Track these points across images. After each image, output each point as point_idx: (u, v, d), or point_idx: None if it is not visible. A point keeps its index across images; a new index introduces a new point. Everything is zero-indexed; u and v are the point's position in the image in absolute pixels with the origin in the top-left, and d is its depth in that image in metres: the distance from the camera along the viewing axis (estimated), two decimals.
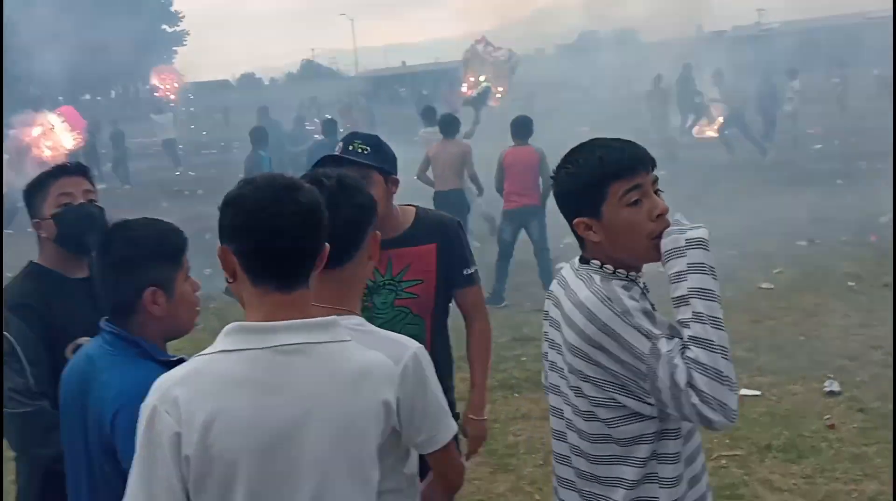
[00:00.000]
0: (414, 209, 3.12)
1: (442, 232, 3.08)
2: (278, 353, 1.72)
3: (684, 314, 1.97)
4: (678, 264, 1.99)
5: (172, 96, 27.93)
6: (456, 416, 3.21)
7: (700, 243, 1.99)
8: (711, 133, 19.72)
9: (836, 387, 5.68)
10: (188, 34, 51.88)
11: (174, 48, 51.35)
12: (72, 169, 2.86)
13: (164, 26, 50.07)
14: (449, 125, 9.76)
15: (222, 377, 1.71)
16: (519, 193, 8.68)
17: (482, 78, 13.71)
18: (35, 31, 28.90)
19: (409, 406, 1.91)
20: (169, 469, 1.67)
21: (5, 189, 7.42)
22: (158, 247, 2.13)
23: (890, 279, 7.64)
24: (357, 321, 2.05)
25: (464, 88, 13.61)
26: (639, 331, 1.96)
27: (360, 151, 2.93)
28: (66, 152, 15.30)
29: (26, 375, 2.58)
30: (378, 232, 2.18)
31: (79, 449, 2.13)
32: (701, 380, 1.89)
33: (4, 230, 11.73)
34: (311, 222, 1.77)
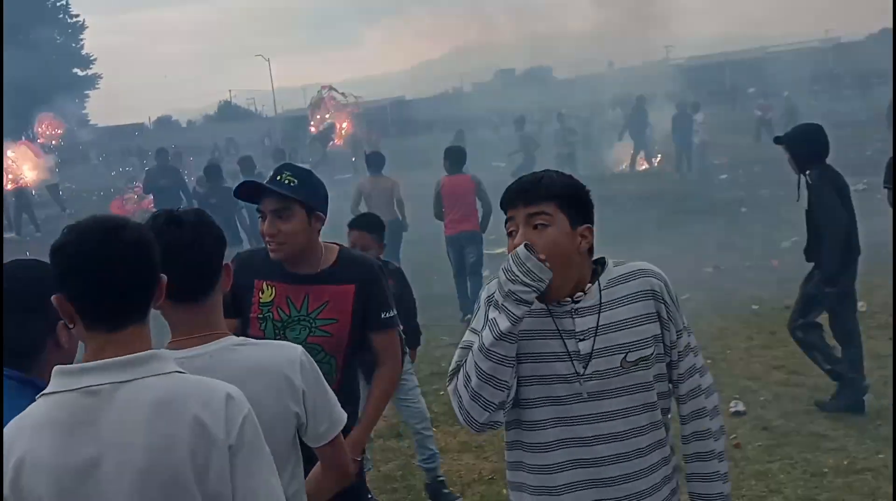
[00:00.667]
0: (338, 248, 3.13)
1: (362, 273, 3.08)
2: (84, 395, 1.73)
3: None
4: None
5: (54, 142, 27.67)
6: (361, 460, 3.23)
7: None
8: (646, 166, 20.65)
9: (741, 407, 5.88)
10: (101, 77, 50.89)
11: (86, 92, 50.32)
12: None
13: (76, 70, 49.07)
14: (376, 162, 10.45)
15: (35, 420, 1.74)
16: (459, 219, 8.98)
17: (327, 116, 15.49)
18: None
19: (313, 397, 2.15)
20: None
21: None
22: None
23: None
24: (238, 339, 2.19)
25: (311, 128, 15.22)
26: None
27: (286, 182, 2.93)
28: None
29: None
30: (230, 263, 2.26)
31: None
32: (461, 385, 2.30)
33: None
34: (138, 258, 1.78)
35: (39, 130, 27.91)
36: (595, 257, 2.35)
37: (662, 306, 2.28)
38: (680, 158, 19.99)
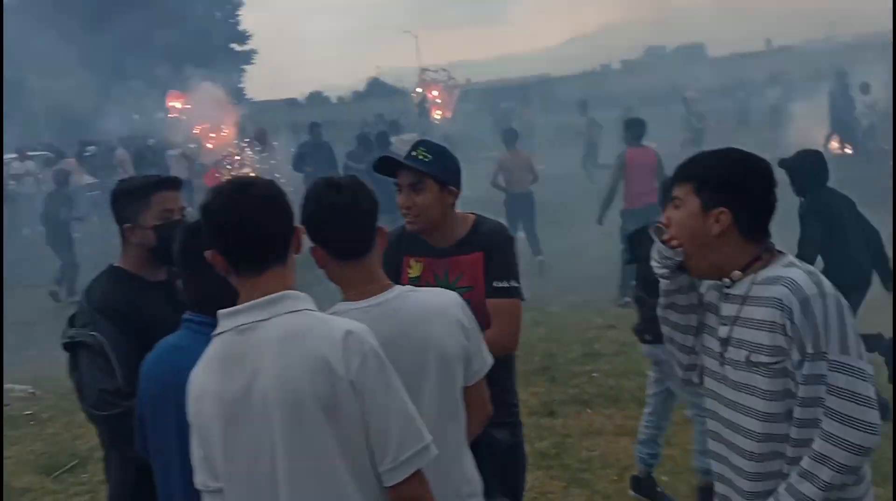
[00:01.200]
0: (473, 218, 3.19)
1: (489, 241, 3.12)
2: (236, 333, 2.00)
3: None
4: None
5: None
6: (518, 424, 3.28)
7: None
8: (848, 150, 19.12)
9: None
10: (257, 53, 52.75)
11: (242, 67, 52.25)
12: (173, 183, 2.99)
13: (234, 45, 51.01)
14: (510, 137, 11.32)
15: (207, 357, 2.04)
16: (645, 192, 8.73)
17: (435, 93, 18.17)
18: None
19: (475, 336, 2.40)
20: (195, 438, 2.04)
21: None
22: None
23: None
24: (407, 287, 2.41)
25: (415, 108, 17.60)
26: None
27: (420, 157, 3.03)
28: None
29: (116, 376, 2.67)
30: (384, 226, 2.44)
31: (171, 437, 2.28)
32: None
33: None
34: (267, 209, 2.03)
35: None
36: (778, 248, 2.33)
37: (788, 321, 2.14)
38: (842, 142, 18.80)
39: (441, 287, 2.94)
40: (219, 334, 2.02)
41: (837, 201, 5.69)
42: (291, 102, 59.24)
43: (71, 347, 2.77)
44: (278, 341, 1.94)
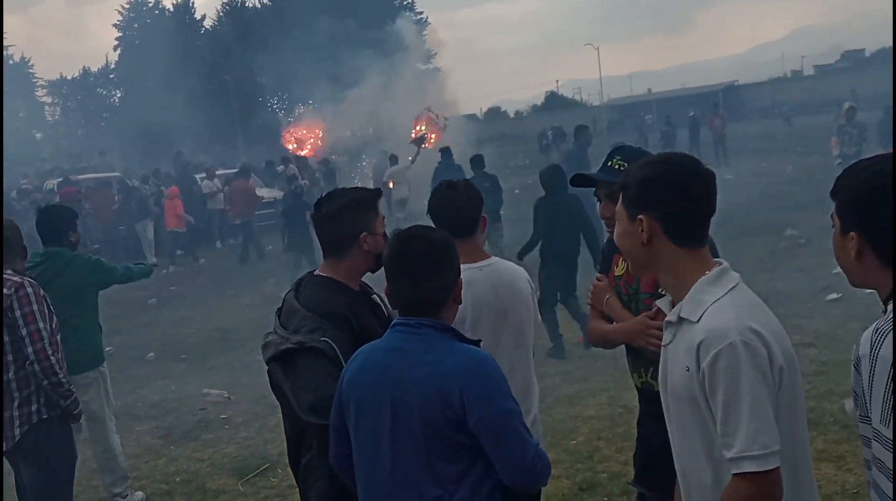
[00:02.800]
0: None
1: None
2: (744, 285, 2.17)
3: None
4: None
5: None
6: None
7: None
8: None
9: None
10: (439, 71, 54.00)
11: (427, 84, 53.60)
12: (379, 194, 3.21)
13: (418, 64, 52.43)
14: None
15: (755, 305, 2.14)
16: None
17: (422, 127, 20.87)
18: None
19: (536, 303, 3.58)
20: (770, 385, 2.01)
21: None
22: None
23: None
24: (494, 258, 3.47)
25: (412, 134, 20.64)
26: None
27: (615, 167, 3.11)
28: None
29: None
30: (485, 216, 3.48)
31: (382, 433, 2.38)
32: None
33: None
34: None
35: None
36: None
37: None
38: None
39: (632, 292, 3.20)
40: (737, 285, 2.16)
41: (565, 201, 8.13)
42: (471, 118, 60.20)
43: (291, 353, 2.78)
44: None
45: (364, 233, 2.96)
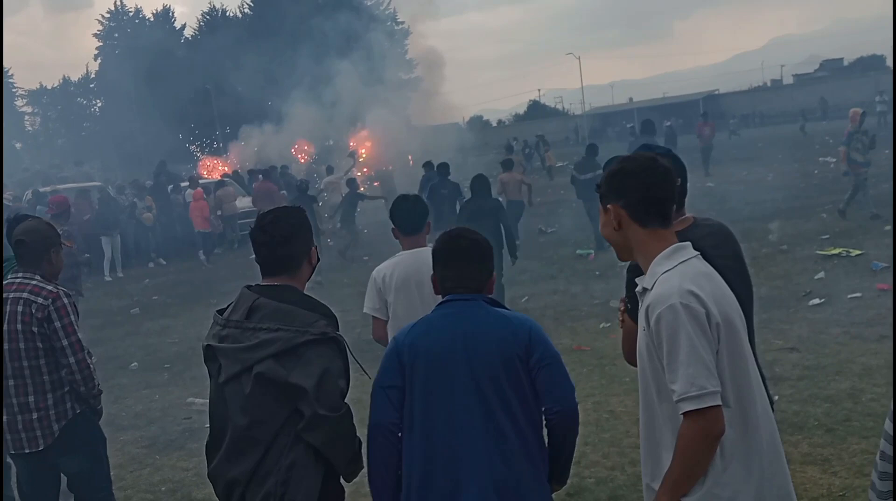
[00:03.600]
0: (691, 219, 3.21)
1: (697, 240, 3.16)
2: (699, 260, 2.54)
3: None
4: None
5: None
6: None
7: None
8: None
9: None
10: (421, 80, 54.02)
11: (409, 94, 53.61)
12: None
13: (401, 74, 52.45)
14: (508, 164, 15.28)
15: (702, 272, 2.49)
16: None
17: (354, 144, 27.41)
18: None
19: None
20: (709, 337, 2.36)
21: None
22: None
23: None
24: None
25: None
26: None
27: None
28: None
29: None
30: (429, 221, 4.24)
31: (457, 379, 2.83)
32: None
33: None
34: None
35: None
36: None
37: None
38: None
39: None
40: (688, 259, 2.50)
41: (487, 202, 9.74)
42: (453, 127, 60.28)
43: (295, 346, 2.82)
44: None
45: (314, 247, 3.12)
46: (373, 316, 4.64)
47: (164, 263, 19.38)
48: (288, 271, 3.01)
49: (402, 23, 53.31)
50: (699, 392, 2.29)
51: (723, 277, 2.63)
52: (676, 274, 2.42)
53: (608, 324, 8.88)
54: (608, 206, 2.56)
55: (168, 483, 6.10)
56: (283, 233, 2.99)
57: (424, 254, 3.98)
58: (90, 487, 4.39)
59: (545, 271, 12.49)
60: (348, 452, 2.90)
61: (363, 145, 26.77)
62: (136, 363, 9.95)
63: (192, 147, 43.76)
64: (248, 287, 3.02)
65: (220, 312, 3.03)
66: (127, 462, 6.63)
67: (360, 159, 25.58)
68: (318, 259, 3.19)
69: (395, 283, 4.45)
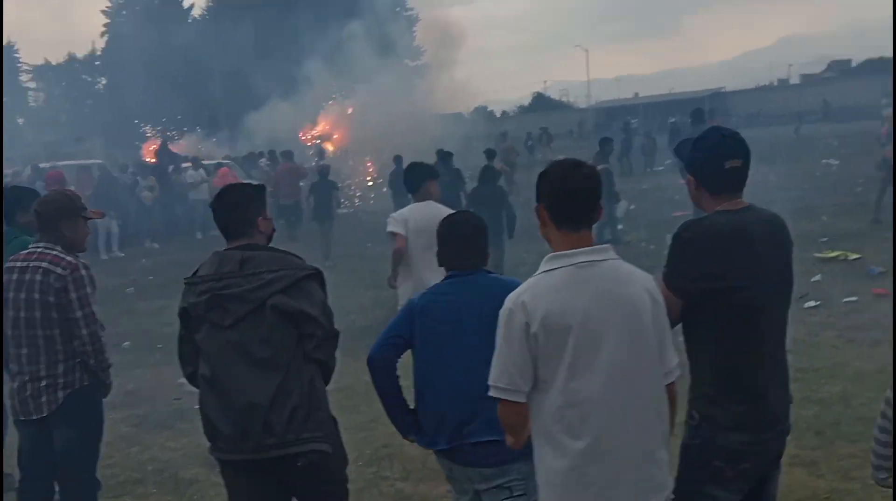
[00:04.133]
0: (746, 204, 3.16)
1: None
2: (579, 268, 2.68)
3: None
4: None
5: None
6: None
7: None
8: None
9: None
10: (429, 68, 53.83)
11: (415, 81, 53.44)
12: None
13: (407, 61, 52.26)
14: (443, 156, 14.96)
15: (550, 285, 2.68)
16: None
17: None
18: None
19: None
20: (522, 344, 2.64)
21: None
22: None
23: None
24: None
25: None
26: None
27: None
28: None
29: None
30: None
31: (461, 331, 3.41)
32: None
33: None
34: (592, 187, 2.75)
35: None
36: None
37: None
38: None
39: None
40: (557, 268, 2.69)
41: (491, 190, 10.85)
42: (457, 117, 60.11)
43: (298, 279, 3.44)
44: (625, 275, 2.73)
45: (262, 218, 3.58)
46: (395, 233, 6.36)
47: (157, 247, 19.29)
48: (248, 234, 3.54)
49: (412, 9, 53.12)
50: (497, 384, 2.70)
51: (765, 265, 2.94)
52: (530, 282, 2.73)
53: None
54: (535, 206, 2.83)
55: (156, 463, 6.11)
56: (235, 200, 3.56)
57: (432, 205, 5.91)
58: (75, 465, 4.37)
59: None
60: (334, 363, 3.60)
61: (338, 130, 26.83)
62: (128, 342, 9.96)
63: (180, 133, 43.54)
64: (223, 251, 3.52)
65: (189, 280, 3.51)
66: (115, 439, 6.62)
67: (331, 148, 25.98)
68: (274, 230, 3.74)
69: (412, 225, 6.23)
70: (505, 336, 2.68)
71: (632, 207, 14.38)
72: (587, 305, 2.63)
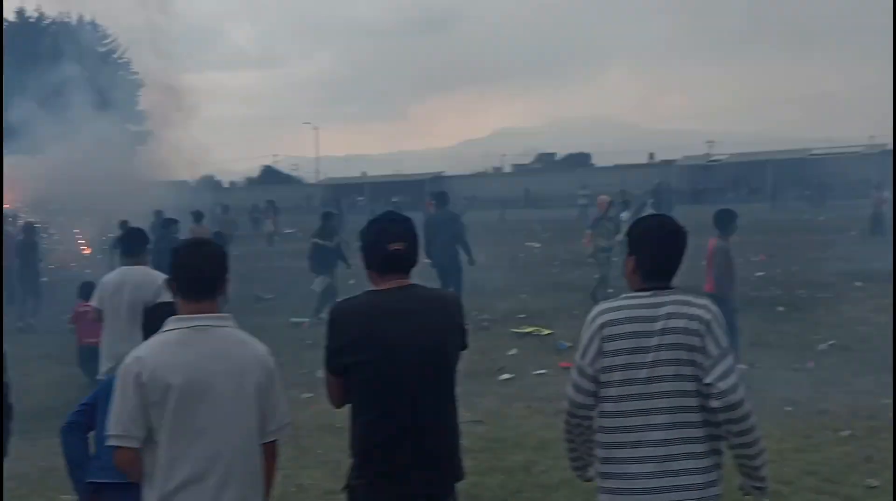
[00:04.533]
0: (410, 283, 3.40)
1: None
2: (194, 330, 3.03)
3: None
4: None
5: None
6: None
7: None
8: None
9: None
10: (151, 134, 51.94)
11: (137, 147, 51.34)
12: None
13: (129, 125, 50.15)
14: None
15: (164, 342, 3.02)
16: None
17: None
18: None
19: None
20: (135, 394, 2.91)
21: None
22: None
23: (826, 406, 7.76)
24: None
25: None
26: None
27: None
28: None
29: None
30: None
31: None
32: None
33: None
34: (218, 262, 3.17)
35: None
36: None
37: None
38: None
39: None
40: (175, 329, 3.04)
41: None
42: (180, 184, 58.25)
43: None
44: (235, 340, 3.10)
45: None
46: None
47: None
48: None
49: (136, 73, 51.23)
50: (111, 432, 2.93)
51: (404, 340, 3.09)
52: (155, 338, 3.05)
53: (311, 395, 8.87)
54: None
55: None
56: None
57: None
58: None
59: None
60: None
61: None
62: None
63: None
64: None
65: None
66: None
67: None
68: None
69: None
70: (118, 385, 2.95)
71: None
72: (195, 362, 2.95)
